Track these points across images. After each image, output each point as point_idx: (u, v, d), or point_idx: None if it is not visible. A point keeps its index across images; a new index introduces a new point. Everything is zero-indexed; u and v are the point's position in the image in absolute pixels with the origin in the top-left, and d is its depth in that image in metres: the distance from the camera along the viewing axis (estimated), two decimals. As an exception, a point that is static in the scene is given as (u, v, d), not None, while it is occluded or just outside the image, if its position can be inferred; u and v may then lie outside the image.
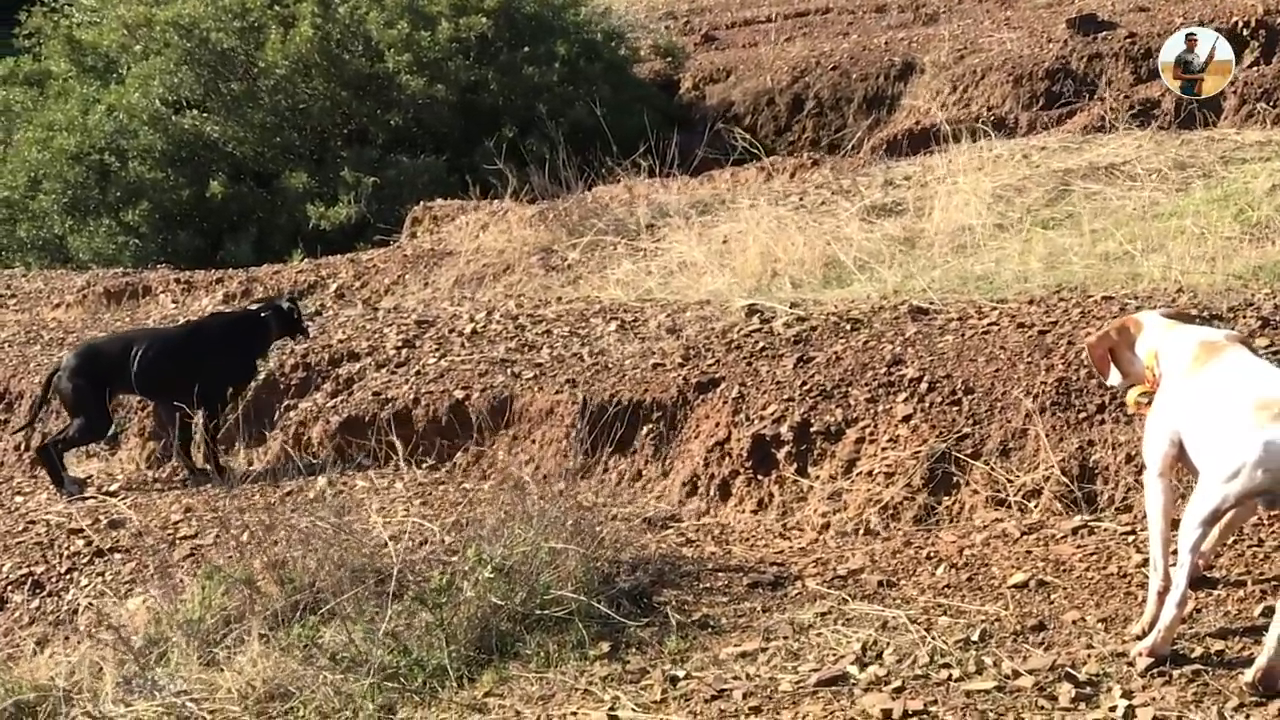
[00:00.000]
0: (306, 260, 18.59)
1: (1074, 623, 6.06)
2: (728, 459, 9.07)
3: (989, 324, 9.46)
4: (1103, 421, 7.90)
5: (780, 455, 8.88)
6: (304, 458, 10.71)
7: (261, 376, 11.39)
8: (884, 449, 8.57)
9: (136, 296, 17.72)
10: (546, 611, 6.63)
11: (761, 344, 9.99)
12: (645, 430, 9.61)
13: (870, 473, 8.51)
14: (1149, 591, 5.82)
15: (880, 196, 14.44)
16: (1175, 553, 5.58)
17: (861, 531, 7.74)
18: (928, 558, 6.98)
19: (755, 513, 8.82)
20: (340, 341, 11.99)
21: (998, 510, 7.83)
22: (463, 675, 6.42)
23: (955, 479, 8.17)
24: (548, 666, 6.38)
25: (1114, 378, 6.37)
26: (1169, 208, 12.01)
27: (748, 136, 17.49)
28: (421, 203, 19.71)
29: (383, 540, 7.52)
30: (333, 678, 6.43)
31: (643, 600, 6.87)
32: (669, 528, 8.18)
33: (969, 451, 8.22)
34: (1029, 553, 6.80)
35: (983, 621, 6.18)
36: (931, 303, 10.18)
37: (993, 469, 8.07)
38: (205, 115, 23.14)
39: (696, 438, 9.35)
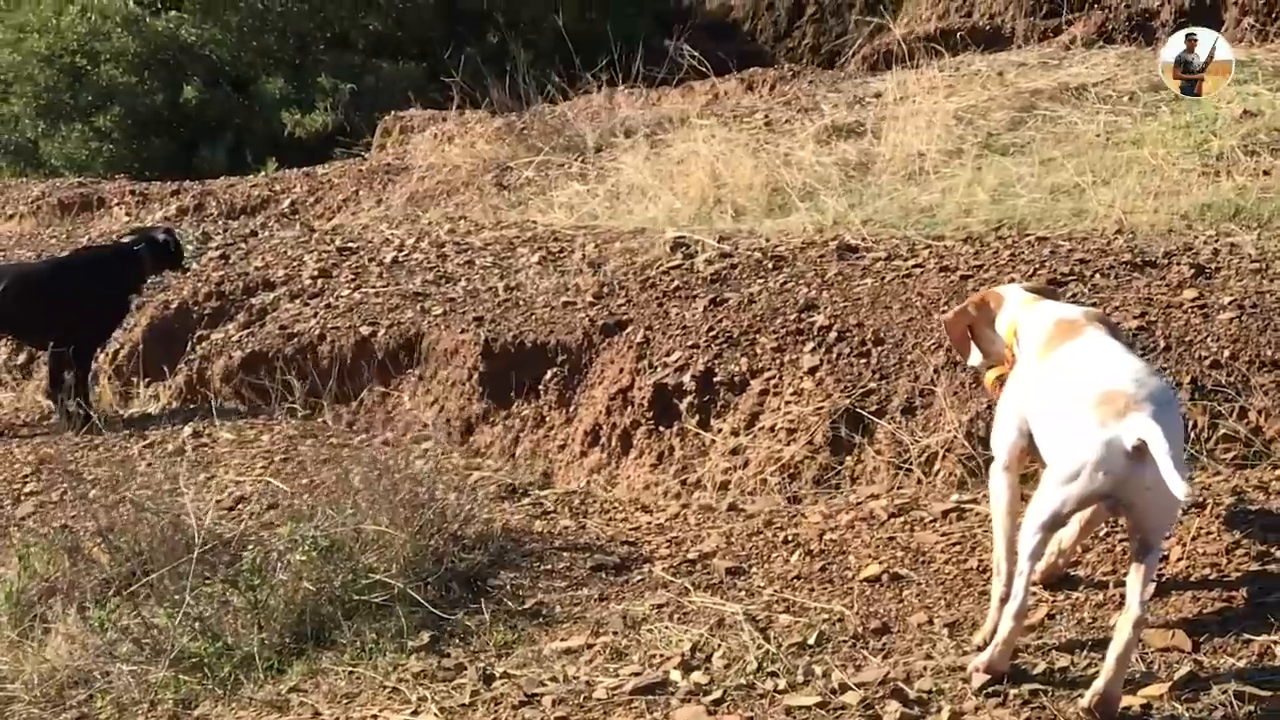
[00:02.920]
0: (263, 175, 18.03)
1: (920, 626, 5.52)
2: (630, 408, 8.56)
3: (913, 265, 8.91)
4: (1010, 381, 7.33)
5: (683, 406, 8.36)
6: (204, 396, 10.27)
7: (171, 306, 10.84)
8: (788, 403, 8.05)
9: (91, 208, 17.21)
10: (366, 597, 6.11)
11: (677, 283, 9.43)
12: (549, 374, 9.09)
13: (772, 428, 7.99)
14: (991, 598, 5.28)
15: (844, 116, 13.75)
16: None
17: (727, 508, 7.15)
18: (785, 541, 6.42)
19: (654, 467, 8.33)
20: (257, 269, 11.45)
21: (897, 475, 7.32)
22: (273, 665, 5.94)
23: (857, 439, 7.63)
24: (362, 658, 5.88)
25: (975, 357, 5.81)
26: (1132, 134, 11.31)
27: (695, 54, 16.62)
28: (393, 112, 19.04)
29: (226, 505, 7.04)
30: (126, 668, 5.94)
31: (476, 584, 6.35)
32: (528, 495, 7.62)
33: (873, 409, 7.69)
34: (891, 539, 6.24)
35: (824, 621, 5.64)
36: (863, 239, 9.60)
37: (897, 429, 7.52)
38: (182, 17, 22.47)
39: (600, 384, 8.84)
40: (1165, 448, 4.47)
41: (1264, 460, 6.66)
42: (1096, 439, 4.68)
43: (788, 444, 7.81)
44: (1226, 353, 7.20)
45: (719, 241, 10.06)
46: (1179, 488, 4.42)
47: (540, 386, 9.08)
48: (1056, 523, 4.91)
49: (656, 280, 9.55)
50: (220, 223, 14.72)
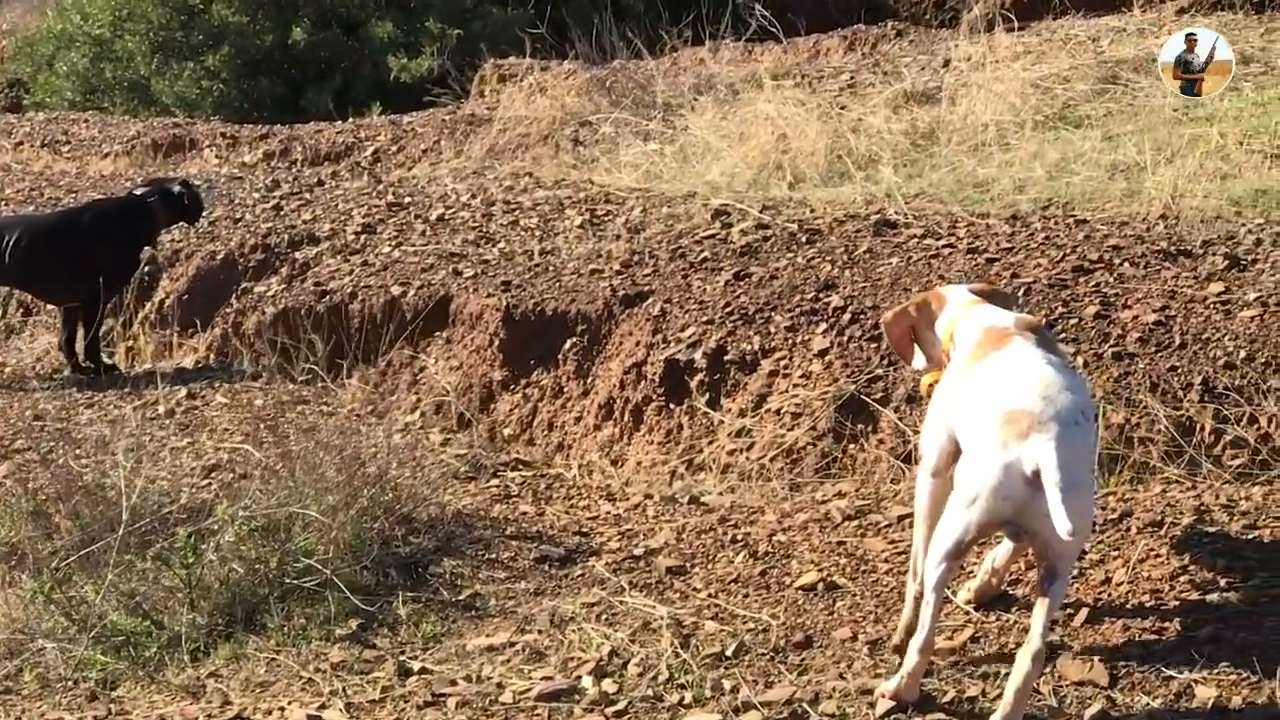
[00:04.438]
0: (350, 122, 17.94)
1: (843, 642, 5.25)
2: (643, 383, 8.32)
3: (943, 245, 8.59)
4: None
5: (693, 384, 8.11)
6: (237, 352, 10.20)
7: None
8: (795, 385, 7.77)
9: (183, 149, 17.28)
10: (298, 581, 5.96)
11: (706, 254, 9.18)
12: (569, 344, 8.87)
13: (778, 411, 7.72)
14: (906, 597, 5.03)
15: (925, 81, 13.36)
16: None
17: (688, 501, 6.91)
18: (734, 541, 6.17)
19: (662, 445, 8.10)
20: (305, 222, 11.35)
21: (893, 467, 7.04)
22: (199, 647, 5.81)
23: (861, 426, 7.35)
24: (286, 644, 5.75)
25: (919, 360, 5.51)
26: (1209, 110, 10.84)
27: (766, 14, 16.14)
28: (492, 60, 18.83)
29: (200, 472, 6.93)
30: (51, 644, 5.84)
31: (416, 570, 6.18)
32: (497, 476, 7.44)
33: (878, 396, 7.40)
34: (840, 544, 5.97)
35: (749, 631, 5.40)
36: (903, 215, 9.28)
37: (901, 418, 7.23)
38: (294, -44, 22.38)
39: (617, 356, 8.61)
40: (1056, 478, 4.19)
41: (1270, 470, 6.31)
42: (996, 462, 4.40)
43: (791, 429, 7.54)
44: (1243, 353, 6.84)
45: (761, 211, 9.80)
46: (1063, 525, 4.13)
47: (560, 356, 8.87)
48: (961, 550, 4.62)
49: (687, 250, 9.31)
50: (295, 170, 14.69)
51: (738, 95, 13.86)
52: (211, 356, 10.37)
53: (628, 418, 8.35)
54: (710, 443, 7.89)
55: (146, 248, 10.52)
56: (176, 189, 10.29)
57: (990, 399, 4.60)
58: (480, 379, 9.14)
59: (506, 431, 8.86)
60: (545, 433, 8.75)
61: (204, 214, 10.88)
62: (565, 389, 8.81)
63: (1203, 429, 6.57)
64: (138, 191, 10.41)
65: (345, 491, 6.18)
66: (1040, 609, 4.48)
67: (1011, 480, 4.36)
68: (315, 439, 6.59)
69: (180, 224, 10.68)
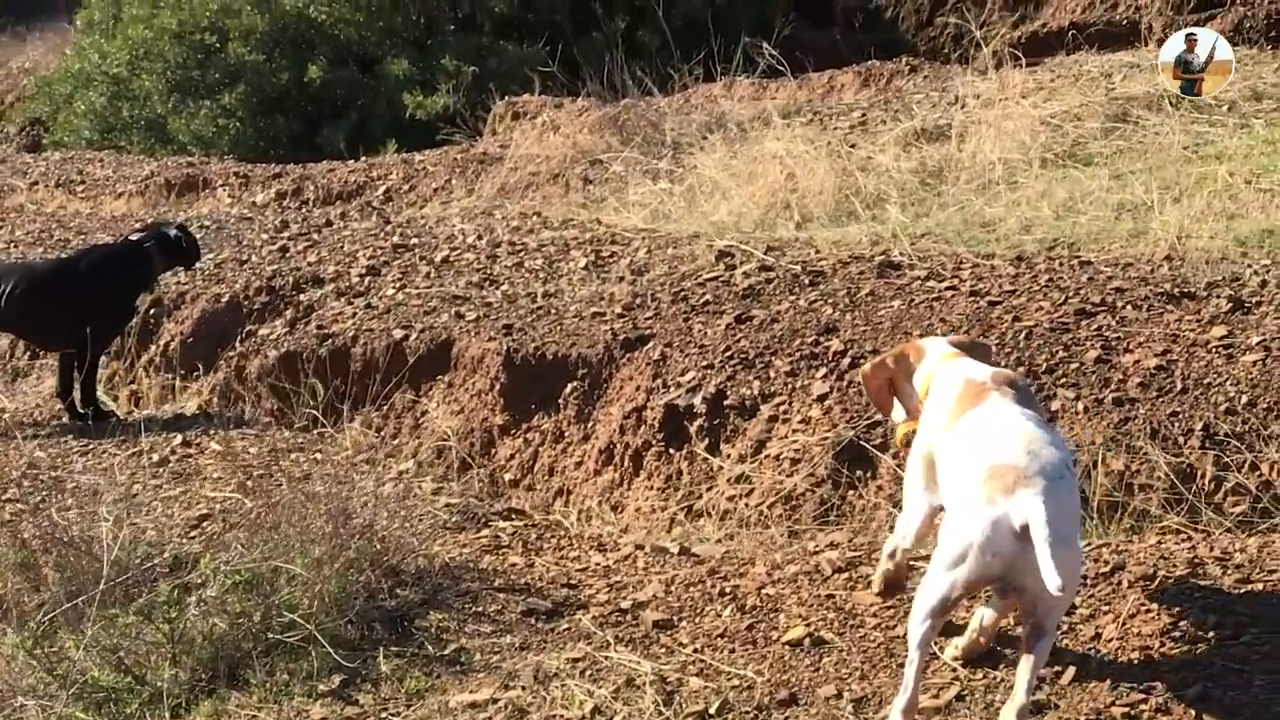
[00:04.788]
0: (362, 160, 17.92)
1: (827, 699, 5.15)
2: (643, 428, 8.25)
3: (946, 287, 8.50)
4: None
5: (692, 429, 8.04)
6: (240, 396, 10.14)
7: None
8: (794, 431, 7.69)
9: (196, 189, 17.27)
10: (282, 636, 5.88)
11: (709, 296, 9.12)
12: (569, 388, 8.80)
13: (778, 457, 7.64)
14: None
15: (935, 118, 13.27)
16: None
17: (679, 552, 6.79)
18: (722, 594, 6.07)
19: (662, 491, 8.02)
20: (310, 264, 11.31)
21: (891, 515, 6.94)
22: (181, 704, 5.73)
23: (859, 473, 7.26)
24: (269, 701, 5.66)
25: (898, 413, 5.44)
26: (1217, 149, 10.75)
27: (774, 53, 16.01)
28: (506, 98, 18.78)
29: (192, 522, 6.85)
30: (31, 702, 5.76)
31: (402, 624, 6.09)
32: (489, 526, 7.33)
33: (877, 442, 7.31)
34: (829, 598, 5.86)
35: (733, 688, 5.31)
36: (908, 256, 9.21)
37: (900, 465, 7.13)
38: (311, -4, 22.39)
39: (618, 401, 8.54)
40: (1045, 533, 4.11)
41: (1272, 517, 6.21)
42: (983, 518, 4.32)
43: (790, 475, 7.46)
44: (1244, 399, 6.74)
45: (765, 252, 9.74)
46: (1053, 581, 4.05)
47: (560, 400, 8.81)
48: (945, 608, 4.54)
49: (690, 293, 9.25)
50: (306, 210, 14.66)
51: (747, 134, 13.80)
52: (214, 400, 10.30)
53: (627, 463, 8.28)
54: (709, 489, 7.82)
55: (144, 294, 10.47)
56: (173, 233, 10.19)
57: (973, 455, 4.52)
58: (481, 423, 9.08)
59: (507, 476, 8.80)
60: (545, 478, 8.69)
61: (201, 258, 10.78)
62: (566, 434, 8.74)
63: (1203, 476, 6.47)
64: (134, 236, 10.31)
65: (332, 543, 6.10)
66: (1025, 665, 4.41)
67: (1000, 536, 4.29)
68: (304, 489, 6.50)
69: (178, 268, 10.60)
